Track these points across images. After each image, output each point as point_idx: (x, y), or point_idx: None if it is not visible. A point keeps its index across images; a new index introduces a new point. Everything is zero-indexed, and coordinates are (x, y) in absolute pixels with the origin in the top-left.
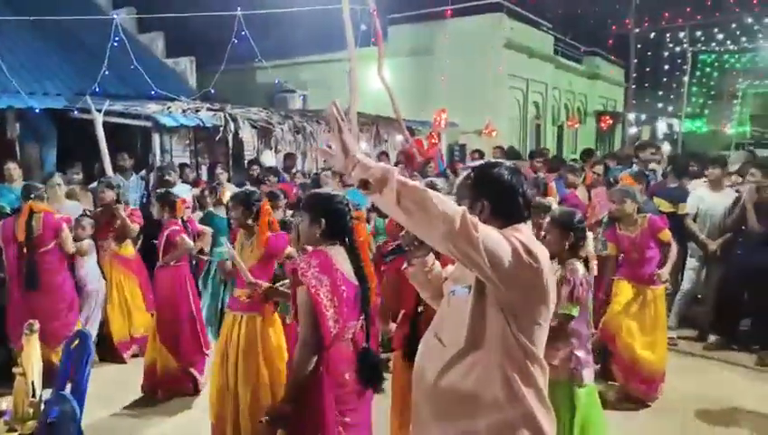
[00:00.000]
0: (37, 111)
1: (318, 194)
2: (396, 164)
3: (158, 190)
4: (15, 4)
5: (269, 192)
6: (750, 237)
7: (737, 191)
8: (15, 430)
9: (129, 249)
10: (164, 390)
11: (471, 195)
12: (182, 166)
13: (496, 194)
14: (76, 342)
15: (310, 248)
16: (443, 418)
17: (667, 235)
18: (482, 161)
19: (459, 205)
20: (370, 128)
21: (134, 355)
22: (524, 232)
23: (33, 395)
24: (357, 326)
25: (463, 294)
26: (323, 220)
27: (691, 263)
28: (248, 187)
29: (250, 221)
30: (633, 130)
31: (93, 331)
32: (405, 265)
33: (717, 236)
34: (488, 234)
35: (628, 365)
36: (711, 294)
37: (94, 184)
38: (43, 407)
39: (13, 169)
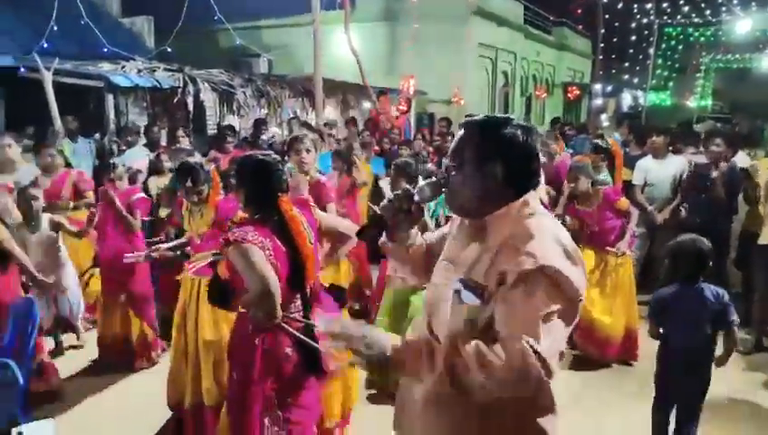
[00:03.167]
0: None
1: (245, 158)
2: (363, 131)
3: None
4: None
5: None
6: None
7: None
8: None
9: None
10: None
11: (478, 156)
12: (147, 128)
13: (511, 158)
14: (21, 310)
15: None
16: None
17: (623, 204)
18: (477, 117)
19: (456, 167)
20: (337, 94)
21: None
22: (564, 238)
23: None
24: (293, 305)
25: (471, 301)
26: (246, 187)
27: (639, 230)
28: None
29: (195, 198)
30: (599, 102)
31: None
32: (383, 240)
33: (665, 204)
34: (555, 337)
35: (585, 328)
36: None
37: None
38: None
39: None
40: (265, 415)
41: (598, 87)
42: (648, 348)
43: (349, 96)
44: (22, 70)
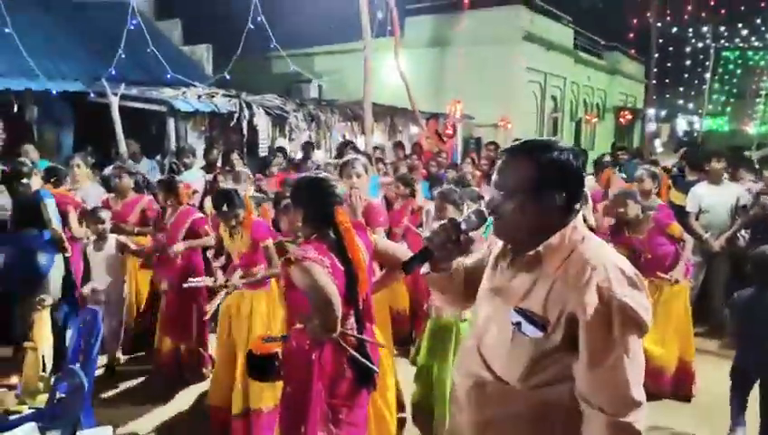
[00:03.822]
0: (54, 93)
1: (299, 179)
2: (410, 155)
3: (162, 177)
4: None
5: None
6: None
7: (748, 190)
8: (26, 404)
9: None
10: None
11: (533, 184)
12: (206, 151)
13: (569, 185)
14: (87, 318)
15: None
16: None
17: (676, 229)
18: (523, 141)
19: (506, 195)
20: (385, 118)
21: None
22: (623, 263)
23: (44, 370)
24: (348, 320)
25: (533, 333)
26: (303, 206)
27: (694, 259)
28: (228, 186)
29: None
30: (652, 127)
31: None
32: (425, 270)
33: (721, 232)
34: (639, 370)
35: None
36: (720, 292)
37: (108, 169)
38: (53, 381)
39: (30, 151)
40: (321, 430)
41: (651, 112)
42: (705, 384)
43: (396, 120)
44: (91, 95)
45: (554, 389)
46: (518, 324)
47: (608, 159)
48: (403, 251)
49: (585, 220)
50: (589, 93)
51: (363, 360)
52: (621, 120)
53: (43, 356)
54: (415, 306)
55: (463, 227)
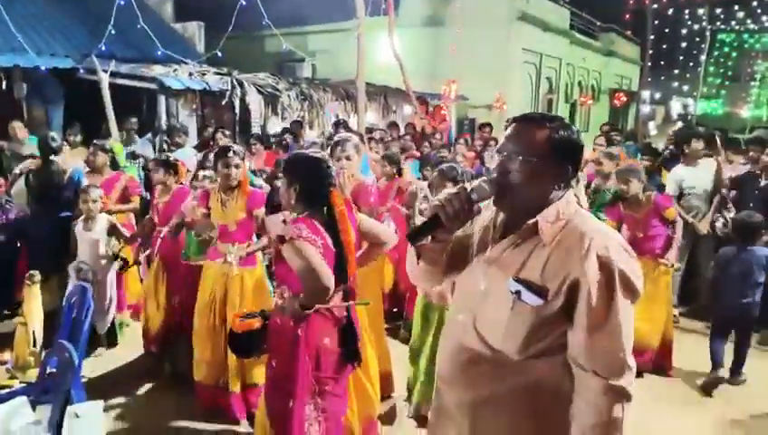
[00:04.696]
0: (43, 69)
1: (295, 156)
2: (404, 135)
3: (157, 156)
4: None
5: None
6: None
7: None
8: (16, 378)
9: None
10: None
11: (549, 152)
12: (200, 130)
13: (576, 158)
14: (77, 294)
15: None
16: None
17: (672, 213)
18: (534, 114)
19: (521, 163)
20: (378, 98)
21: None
22: (616, 234)
23: (35, 345)
24: (336, 297)
25: (534, 301)
26: (298, 184)
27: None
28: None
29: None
30: (647, 110)
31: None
32: (423, 241)
33: (704, 211)
34: (631, 335)
35: None
36: (705, 273)
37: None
38: (43, 356)
39: (18, 128)
40: (307, 402)
41: (646, 94)
42: (682, 360)
43: (390, 100)
44: (81, 71)
45: (549, 360)
46: (518, 293)
47: (600, 140)
48: (384, 230)
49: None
50: (584, 75)
51: (350, 335)
52: (616, 102)
53: (33, 331)
54: (401, 284)
55: (474, 197)
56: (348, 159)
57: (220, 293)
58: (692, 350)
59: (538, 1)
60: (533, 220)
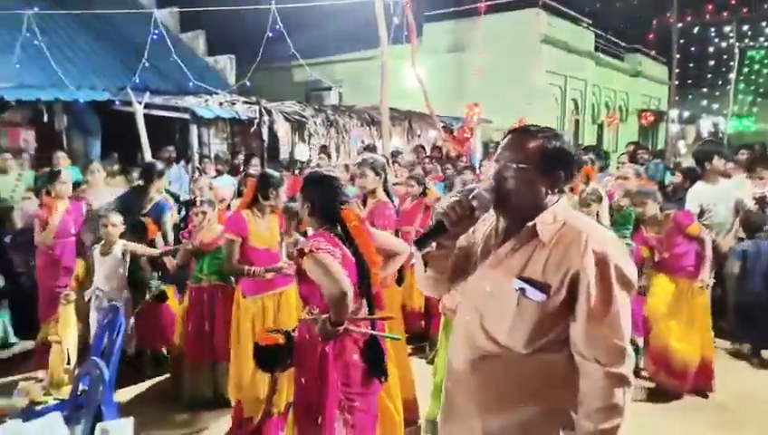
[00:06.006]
0: (82, 102)
1: (309, 174)
2: (429, 159)
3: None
4: (65, 2)
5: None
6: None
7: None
8: (51, 395)
9: None
10: None
11: (543, 162)
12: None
13: (570, 166)
14: (109, 315)
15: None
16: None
17: (695, 229)
18: (529, 126)
19: (518, 170)
20: (403, 123)
21: None
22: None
23: (68, 362)
24: (360, 312)
25: (538, 297)
26: (310, 201)
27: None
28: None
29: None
30: (676, 129)
31: None
32: (429, 248)
33: (724, 230)
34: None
35: (662, 357)
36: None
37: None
38: (76, 373)
39: (62, 158)
40: (337, 419)
41: (674, 114)
42: (721, 381)
43: (414, 124)
44: (117, 103)
45: (554, 352)
46: (522, 290)
47: (625, 159)
48: (396, 241)
49: (598, 219)
50: (610, 96)
51: (375, 350)
52: (643, 121)
53: (67, 349)
54: (428, 304)
55: (475, 204)
56: (362, 175)
57: (265, 319)
58: (724, 369)
59: (561, 24)
60: (532, 223)
